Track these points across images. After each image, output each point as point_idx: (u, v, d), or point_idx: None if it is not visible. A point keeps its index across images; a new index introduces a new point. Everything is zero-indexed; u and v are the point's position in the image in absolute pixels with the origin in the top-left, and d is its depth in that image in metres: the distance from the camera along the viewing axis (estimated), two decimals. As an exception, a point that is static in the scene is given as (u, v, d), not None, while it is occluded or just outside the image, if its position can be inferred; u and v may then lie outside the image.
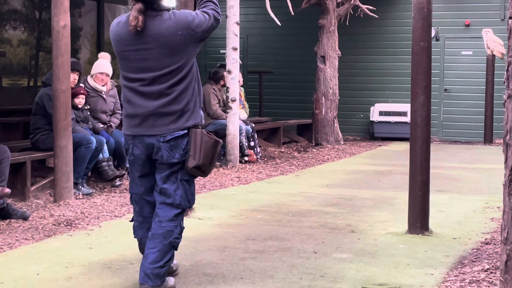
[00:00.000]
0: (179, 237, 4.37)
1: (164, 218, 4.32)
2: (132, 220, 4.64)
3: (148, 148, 4.34)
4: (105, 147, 8.44)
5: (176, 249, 4.39)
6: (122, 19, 4.39)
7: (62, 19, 7.37)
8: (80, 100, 8.41)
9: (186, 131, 4.31)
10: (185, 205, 4.37)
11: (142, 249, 4.55)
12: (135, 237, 4.60)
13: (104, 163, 8.41)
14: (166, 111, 4.28)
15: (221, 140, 4.48)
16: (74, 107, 8.20)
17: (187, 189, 4.37)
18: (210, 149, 4.30)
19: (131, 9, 4.27)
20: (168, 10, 4.35)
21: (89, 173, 8.43)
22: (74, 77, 8.03)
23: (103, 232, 6.13)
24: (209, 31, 4.34)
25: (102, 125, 8.77)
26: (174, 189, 4.33)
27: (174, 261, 4.76)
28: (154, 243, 4.30)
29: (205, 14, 4.34)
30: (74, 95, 8.11)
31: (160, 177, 4.36)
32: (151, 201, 4.46)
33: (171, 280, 4.43)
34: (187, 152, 4.29)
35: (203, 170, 4.33)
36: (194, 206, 6.86)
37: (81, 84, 8.64)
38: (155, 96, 4.29)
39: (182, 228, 4.40)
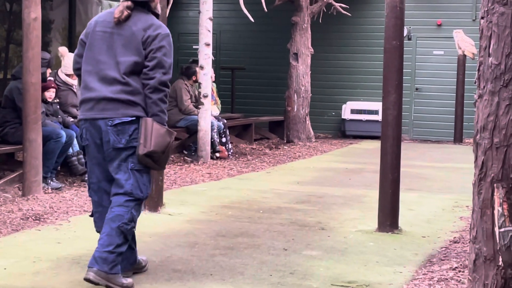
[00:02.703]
0: (129, 223, 4.30)
1: (115, 203, 4.32)
2: (92, 215, 4.61)
3: (98, 131, 4.36)
4: (75, 141, 8.37)
5: (126, 239, 4.31)
6: (107, 11, 4.53)
7: (33, 11, 7.30)
8: (51, 94, 8.34)
9: (134, 118, 4.32)
10: (137, 194, 4.35)
11: None
12: (97, 231, 4.54)
13: (74, 158, 8.35)
14: (118, 97, 4.31)
15: (174, 131, 4.50)
16: (44, 100, 8.12)
17: (138, 179, 4.35)
18: (162, 137, 4.30)
19: (120, 3, 4.39)
20: (157, 16, 4.47)
21: (59, 167, 8.35)
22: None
23: (71, 227, 6.08)
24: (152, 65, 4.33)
25: (72, 119, 8.70)
26: (125, 178, 4.33)
27: (143, 257, 4.73)
28: (104, 228, 4.30)
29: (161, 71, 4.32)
30: (44, 88, 8.04)
31: (112, 169, 4.37)
32: (109, 191, 4.44)
33: (126, 280, 4.32)
34: (135, 139, 4.30)
35: (155, 159, 4.33)
36: (164, 202, 6.86)
37: (51, 78, 8.56)
38: (110, 81, 4.33)
39: (133, 215, 4.34)
